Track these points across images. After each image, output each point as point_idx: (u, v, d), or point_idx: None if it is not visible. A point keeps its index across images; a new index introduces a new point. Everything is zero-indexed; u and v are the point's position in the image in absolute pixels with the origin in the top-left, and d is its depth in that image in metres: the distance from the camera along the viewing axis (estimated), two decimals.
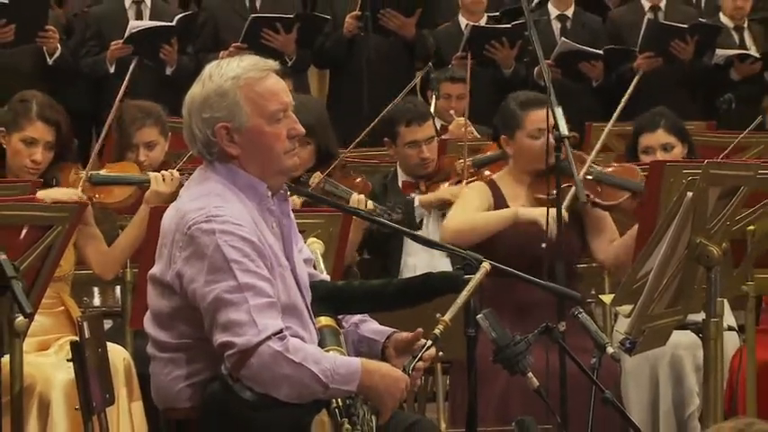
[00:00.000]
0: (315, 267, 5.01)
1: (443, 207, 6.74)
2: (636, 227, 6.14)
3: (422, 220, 6.92)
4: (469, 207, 6.38)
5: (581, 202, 6.03)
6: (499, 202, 6.36)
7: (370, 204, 6.60)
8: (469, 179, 6.76)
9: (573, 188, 6.01)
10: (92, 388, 4.98)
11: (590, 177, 6.24)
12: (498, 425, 5.32)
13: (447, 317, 4.58)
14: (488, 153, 7.24)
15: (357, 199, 6.60)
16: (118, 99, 6.66)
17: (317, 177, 6.61)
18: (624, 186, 6.28)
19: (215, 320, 4.50)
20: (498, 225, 6.22)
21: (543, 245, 5.91)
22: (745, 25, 10.50)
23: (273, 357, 4.48)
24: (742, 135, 8.02)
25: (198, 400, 4.64)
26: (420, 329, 4.68)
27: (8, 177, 6.24)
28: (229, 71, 4.67)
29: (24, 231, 5.18)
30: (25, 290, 4.61)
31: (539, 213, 6.07)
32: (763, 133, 8.52)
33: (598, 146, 6.99)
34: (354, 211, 6.08)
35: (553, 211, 6.03)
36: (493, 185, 6.41)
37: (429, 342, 4.71)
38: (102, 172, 6.59)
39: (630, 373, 6.14)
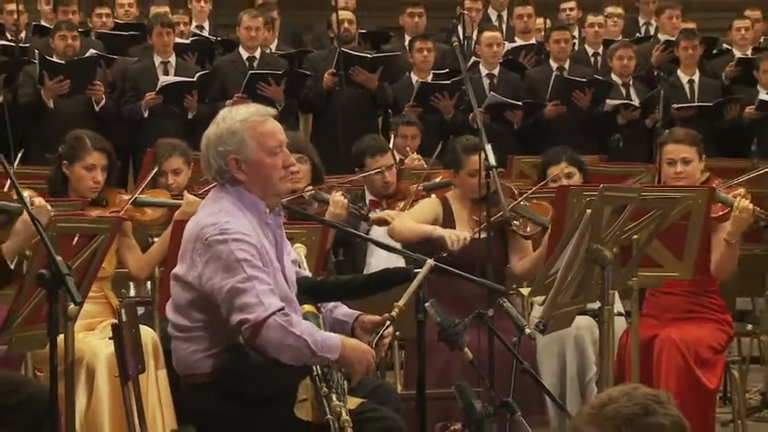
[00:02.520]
0: (300, 267, 4.84)
1: (383, 224, 6.66)
2: (540, 249, 6.05)
3: (367, 231, 6.83)
4: (416, 215, 6.30)
5: (506, 222, 5.93)
6: (448, 215, 6.30)
7: (346, 201, 6.53)
8: (419, 199, 6.66)
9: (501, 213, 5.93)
10: (127, 360, 4.97)
11: (517, 211, 6.14)
12: (441, 388, 5.18)
13: (401, 302, 4.63)
14: (436, 180, 7.16)
15: (337, 198, 6.53)
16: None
17: (309, 188, 6.53)
18: (538, 222, 6.19)
19: (232, 305, 4.46)
20: (421, 235, 6.14)
21: (444, 254, 5.81)
22: (630, 82, 10.35)
23: (279, 329, 4.43)
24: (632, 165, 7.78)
25: (210, 368, 4.58)
26: (385, 315, 4.55)
27: (72, 197, 6.09)
28: (238, 115, 4.67)
29: (76, 239, 5.03)
30: (76, 284, 4.50)
31: (446, 233, 6.01)
32: (645, 164, 8.39)
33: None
34: (330, 224, 5.96)
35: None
36: (445, 202, 6.35)
37: (388, 322, 4.56)
38: (143, 197, 6.44)
39: (543, 348, 6.08)
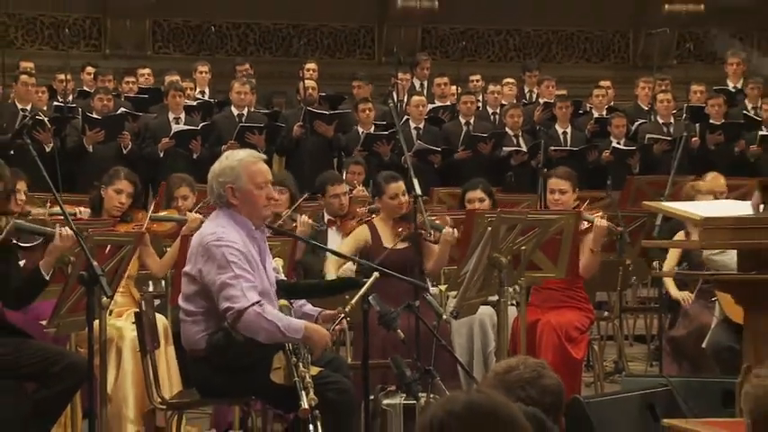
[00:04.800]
0: (278, 273, 4.83)
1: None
2: (439, 251, 6.01)
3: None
4: (346, 245, 6.20)
5: (419, 234, 5.91)
6: (375, 235, 6.17)
7: (310, 222, 6.54)
8: (365, 219, 6.60)
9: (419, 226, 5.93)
10: (146, 339, 4.88)
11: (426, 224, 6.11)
12: (381, 359, 5.14)
13: (352, 302, 4.59)
14: (377, 205, 7.11)
15: (303, 219, 6.53)
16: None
17: (287, 211, 6.51)
18: (439, 229, 6.16)
19: (221, 295, 4.48)
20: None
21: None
22: (520, 134, 10.36)
23: (256, 316, 4.42)
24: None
25: (204, 344, 4.59)
26: (340, 309, 4.54)
27: (105, 217, 6.09)
28: (236, 156, 4.73)
29: (108, 248, 4.95)
30: (108, 283, 4.42)
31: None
32: (530, 194, 8.42)
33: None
34: (299, 237, 5.93)
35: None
36: (372, 226, 6.23)
37: (342, 315, 4.54)
38: (158, 214, 6.40)
39: (456, 329, 6.02)
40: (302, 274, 6.67)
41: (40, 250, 5.00)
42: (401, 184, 6.19)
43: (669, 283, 6.88)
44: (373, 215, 6.52)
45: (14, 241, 4.92)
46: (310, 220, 6.76)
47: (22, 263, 5.08)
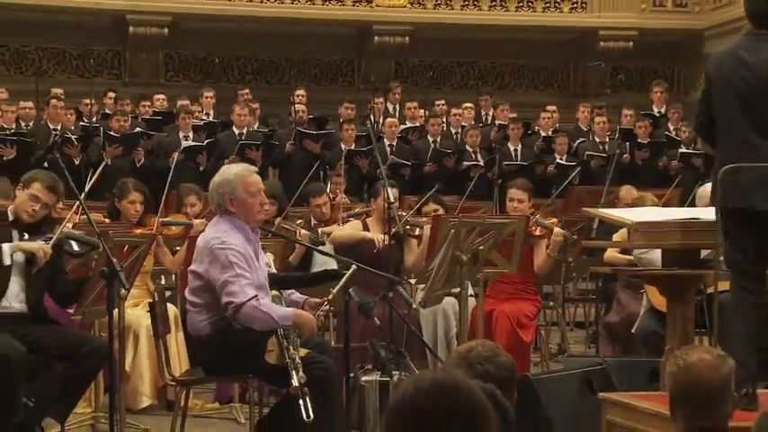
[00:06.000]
0: (270, 267, 4.78)
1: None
2: (420, 249, 6.01)
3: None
4: (344, 231, 6.21)
5: (400, 232, 5.92)
6: (366, 231, 6.19)
7: (305, 231, 6.49)
8: (344, 223, 6.59)
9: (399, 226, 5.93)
10: (159, 324, 4.81)
11: (407, 221, 6.11)
12: (360, 342, 5.12)
13: (334, 291, 4.48)
14: (356, 210, 7.10)
15: (303, 233, 6.48)
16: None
17: (278, 220, 6.45)
18: (419, 225, 6.17)
19: (223, 291, 4.42)
20: (357, 238, 6.09)
21: (375, 250, 5.81)
22: (478, 150, 10.38)
23: (252, 309, 4.38)
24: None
25: (209, 330, 4.54)
26: (324, 298, 4.51)
27: (123, 220, 6.04)
28: (233, 169, 4.71)
29: (125, 248, 4.91)
30: (126, 277, 4.36)
31: (374, 236, 6.01)
32: (487, 201, 8.45)
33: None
34: (290, 239, 5.90)
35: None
36: (364, 223, 6.24)
37: (325, 304, 4.49)
38: (168, 219, 6.34)
39: (423, 317, 6.00)
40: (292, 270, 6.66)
41: (82, 259, 5.00)
42: (396, 191, 6.13)
43: (611, 255, 6.66)
44: (352, 219, 6.52)
45: (65, 248, 4.91)
46: (308, 232, 6.70)
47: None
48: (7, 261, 4.71)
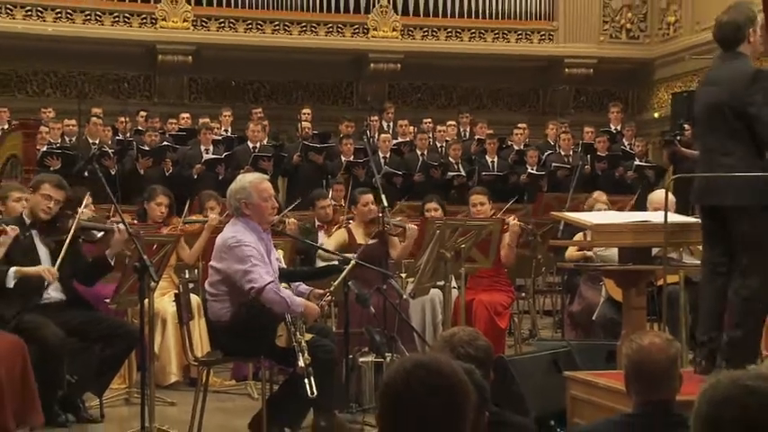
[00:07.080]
0: (280, 262, 4.74)
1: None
2: (404, 244, 5.97)
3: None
4: (329, 244, 6.14)
5: (385, 231, 5.88)
6: (351, 237, 6.13)
7: (296, 221, 6.48)
8: (345, 224, 6.57)
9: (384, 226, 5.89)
10: (183, 312, 4.75)
11: (386, 222, 6.05)
12: (358, 328, 5.12)
13: (335, 283, 4.48)
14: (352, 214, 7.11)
15: (291, 221, 6.44)
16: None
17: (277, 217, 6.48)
18: (400, 226, 6.14)
19: (244, 279, 4.37)
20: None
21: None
22: (460, 162, 10.38)
23: (271, 291, 4.33)
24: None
25: (227, 317, 4.46)
26: (326, 290, 4.52)
27: (149, 222, 6.01)
28: (247, 178, 4.67)
29: (154, 246, 4.91)
30: (155, 271, 4.35)
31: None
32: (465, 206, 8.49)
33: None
34: (295, 237, 5.89)
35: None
36: (348, 230, 6.19)
37: (328, 295, 4.49)
38: (190, 218, 6.33)
39: (413, 306, 5.98)
40: (300, 260, 6.64)
41: (102, 243, 4.97)
42: (370, 196, 6.15)
43: (570, 253, 6.68)
44: (350, 222, 6.51)
45: (81, 238, 4.89)
46: (296, 221, 6.70)
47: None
48: (10, 284, 4.59)
